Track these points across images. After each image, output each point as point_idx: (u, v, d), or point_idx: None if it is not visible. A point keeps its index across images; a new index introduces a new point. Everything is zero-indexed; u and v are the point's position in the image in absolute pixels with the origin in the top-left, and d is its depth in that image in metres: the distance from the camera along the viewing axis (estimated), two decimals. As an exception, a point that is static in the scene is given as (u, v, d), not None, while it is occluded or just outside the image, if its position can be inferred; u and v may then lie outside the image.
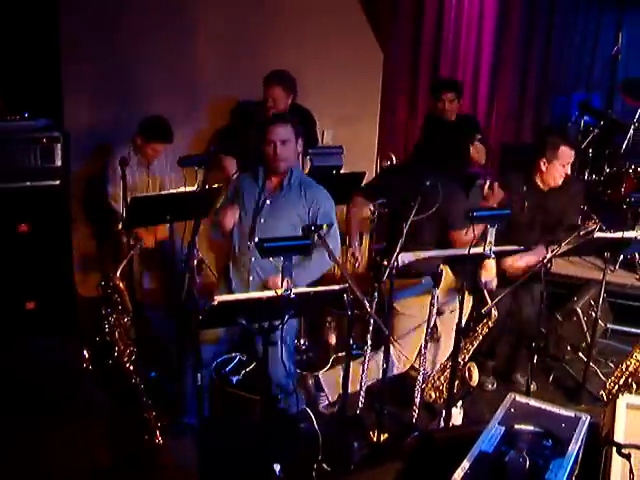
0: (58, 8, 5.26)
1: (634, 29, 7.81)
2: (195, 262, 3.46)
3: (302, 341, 5.21)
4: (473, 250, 3.58)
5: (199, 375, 3.48)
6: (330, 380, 4.46)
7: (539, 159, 4.61)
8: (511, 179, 4.79)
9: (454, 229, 4.22)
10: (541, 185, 4.69)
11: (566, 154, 4.56)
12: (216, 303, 2.90)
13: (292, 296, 2.93)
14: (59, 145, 4.89)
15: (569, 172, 4.62)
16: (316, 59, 6.26)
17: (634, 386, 4.35)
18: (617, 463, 2.67)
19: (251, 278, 4.06)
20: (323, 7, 6.35)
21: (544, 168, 4.61)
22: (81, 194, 5.71)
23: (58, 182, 4.93)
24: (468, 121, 6.02)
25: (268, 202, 4.03)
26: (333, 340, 5.33)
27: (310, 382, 4.48)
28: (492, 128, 7.81)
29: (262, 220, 4.01)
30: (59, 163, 4.90)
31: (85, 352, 3.82)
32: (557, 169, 4.58)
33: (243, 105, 5.90)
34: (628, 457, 2.62)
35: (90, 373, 3.85)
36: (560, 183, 4.65)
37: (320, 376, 4.50)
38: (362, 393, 4.15)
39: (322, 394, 4.44)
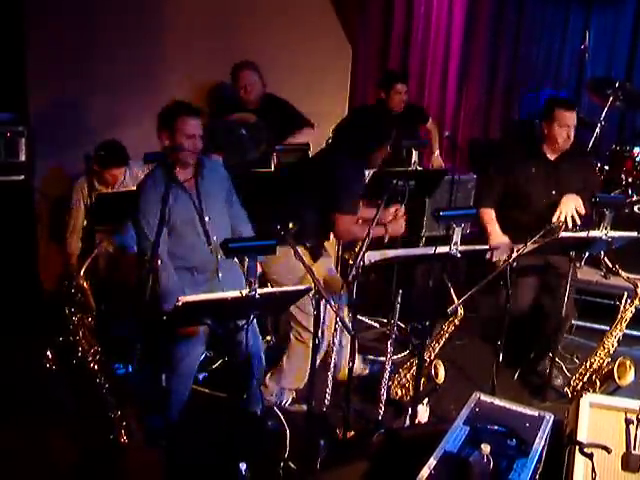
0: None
1: (601, 26, 7.87)
2: (159, 262, 3.40)
3: (269, 338, 5.19)
4: (439, 250, 3.59)
5: (163, 376, 3.46)
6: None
7: (542, 124, 4.73)
8: (512, 150, 4.95)
9: (341, 212, 4.15)
10: (549, 154, 4.77)
11: (561, 115, 4.62)
12: (180, 304, 2.86)
13: (257, 296, 2.92)
14: (23, 140, 4.84)
15: (571, 136, 4.67)
16: (284, 57, 6.24)
17: (598, 383, 4.39)
18: (580, 462, 2.70)
19: (220, 275, 3.88)
20: (291, 4, 6.36)
21: (546, 132, 4.71)
22: (46, 189, 5.61)
23: (22, 177, 4.88)
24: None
25: (202, 201, 3.86)
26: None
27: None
28: (460, 123, 7.84)
29: (207, 219, 3.84)
30: (23, 158, 4.85)
31: (49, 352, 3.80)
32: (556, 130, 4.64)
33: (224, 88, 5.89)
34: (590, 456, 2.65)
35: (54, 373, 3.82)
36: (566, 147, 4.71)
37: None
38: (328, 391, 4.16)
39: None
